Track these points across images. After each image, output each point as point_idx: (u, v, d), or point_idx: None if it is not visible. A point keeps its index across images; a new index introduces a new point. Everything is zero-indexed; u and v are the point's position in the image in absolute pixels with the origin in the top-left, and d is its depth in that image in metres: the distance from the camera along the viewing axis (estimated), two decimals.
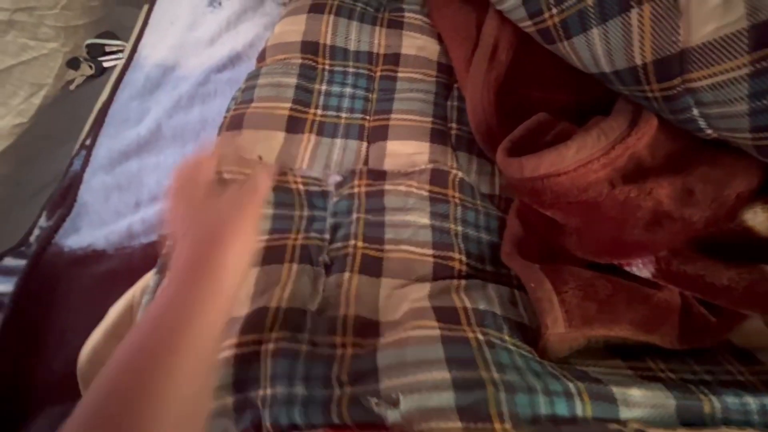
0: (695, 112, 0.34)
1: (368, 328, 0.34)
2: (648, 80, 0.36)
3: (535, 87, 0.48)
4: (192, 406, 0.24)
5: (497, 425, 0.27)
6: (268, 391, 0.31)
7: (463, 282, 0.39)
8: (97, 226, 0.52)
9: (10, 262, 0.49)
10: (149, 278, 0.39)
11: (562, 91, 0.47)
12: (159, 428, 0.21)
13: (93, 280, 0.47)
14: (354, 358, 0.32)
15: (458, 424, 0.27)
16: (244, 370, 0.32)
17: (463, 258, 0.41)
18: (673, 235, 0.35)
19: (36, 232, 0.53)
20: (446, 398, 0.28)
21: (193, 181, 0.33)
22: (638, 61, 0.35)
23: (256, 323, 0.34)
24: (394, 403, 0.28)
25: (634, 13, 0.33)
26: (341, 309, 0.35)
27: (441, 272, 0.40)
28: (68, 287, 0.47)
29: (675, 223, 0.34)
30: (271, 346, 0.33)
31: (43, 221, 0.54)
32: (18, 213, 0.60)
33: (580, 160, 0.35)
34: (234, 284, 0.28)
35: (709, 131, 0.35)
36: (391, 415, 0.28)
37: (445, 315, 0.34)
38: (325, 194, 0.45)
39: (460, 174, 0.46)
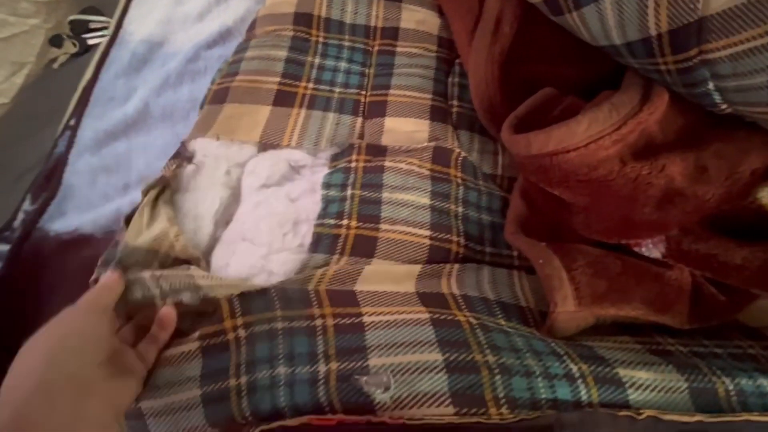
0: (711, 85, 0.33)
1: (344, 297, 0.33)
2: (662, 52, 0.34)
3: (541, 61, 0.46)
4: None
5: (493, 410, 0.26)
6: (243, 379, 0.29)
7: (456, 266, 0.38)
8: (84, 209, 0.50)
9: None
10: None
11: (569, 66, 0.45)
12: None
13: (80, 265, 0.45)
14: (338, 330, 0.30)
15: (451, 410, 0.26)
16: (212, 362, 0.30)
17: (462, 240, 0.40)
18: (685, 213, 0.33)
19: (20, 216, 0.51)
20: (438, 381, 0.27)
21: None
22: (653, 32, 0.33)
23: (212, 315, 0.33)
24: (386, 387, 0.26)
25: None
26: (311, 284, 0.34)
27: (436, 255, 0.39)
28: (55, 272, 0.46)
29: (687, 201, 0.33)
30: (241, 332, 0.31)
31: (27, 205, 0.52)
32: (1, 197, 0.58)
33: (591, 136, 0.33)
34: None
35: (724, 106, 0.34)
36: (381, 398, 0.26)
37: (432, 301, 0.33)
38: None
39: (462, 153, 0.44)
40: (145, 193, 0.39)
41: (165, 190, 0.39)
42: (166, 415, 0.29)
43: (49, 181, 0.53)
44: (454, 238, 0.40)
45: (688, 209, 0.33)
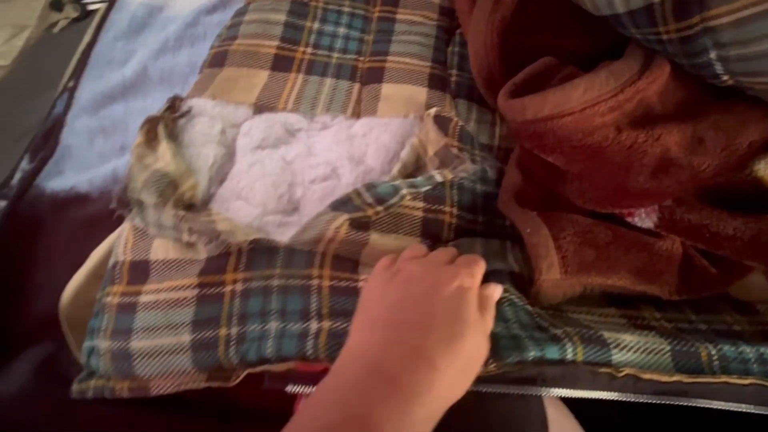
0: (712, 55, 0.32)
1: (346, 264, 0.33)
2: (665, 20, 0.33)
3: (542, 31, 0.45)
4: None
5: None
6: (234, 330, 0.30)
7: (450, 237, 0.38)
8: (80, 169, 0.50)
9: None
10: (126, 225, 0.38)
11: (570, 37, 0.45)
12: None
13: (76, 223, 0.46)
14: (333, 291, 0.30)
15: None
16: (204, 310, 0.31)
17: (455, 210, 0.40)
18: (679, 183, 0.33)
19: (18, 174, 0.51)
20: None
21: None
22: None
23: (218, 266, 0.33)
24: None
25: None
26: (320, 247, 0.34)
27: (430, 227, 0.39)
28: (51, 229, 0.46)
29: (682, 171, 0.33)
30: (239, 286, 0.32)
31: (25, 164, 0.52)
32: (1, 157, 0.58)
33: (587, 101, 0.33)
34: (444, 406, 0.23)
35: (725, 77, 0.33)
36: None
37: None
38: None
39: (460, 122, 0.43)
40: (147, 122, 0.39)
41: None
42: (154, 357, 0.29)
43: (47, 141, 0.53)
44: (447, 209, 0.40)
45: (683, 179, 0.33)
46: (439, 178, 0.37)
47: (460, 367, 0.24)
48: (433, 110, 0.42)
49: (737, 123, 0.34)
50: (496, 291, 0.29)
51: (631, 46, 0.38)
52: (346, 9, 0.50)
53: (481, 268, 0.29)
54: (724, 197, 0.34)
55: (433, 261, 0.29)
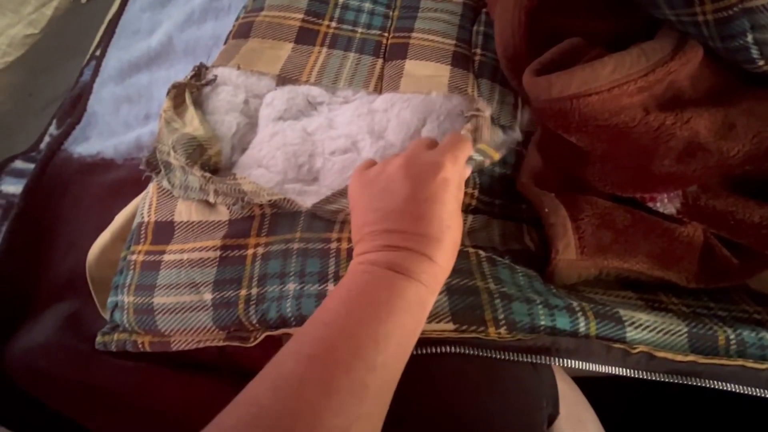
0: (749, 38, 0.31)
1: None
2: (701, 0, 0.32)
3: (571, 12, 0.44)
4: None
5: (491, 329, 0.26)
6: (254, 291, 0.30)
7: (469, 218, 0.38)
8: (106, 136, 0.52)
9: (20, 165, 0.49)
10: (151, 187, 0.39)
11: (600, 20, 0.43)
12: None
13: (101, 188, 0.47)
14: (351, 254, 0.31)
15: (451, 326, 0.27)
16: (226, 271, 0.32)
17: (476, 192, 0.40)
18: (706, 168, 0.32)
19: (46, 139, 0.53)
20: (440, 301, 0.28)
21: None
22: None
23: (242, 229, 0.34)
24: None
25: None
26: (340, 216, 0.34)
27: None
28: (77, 192, 0.48)
29: (710, 156, 0.32)
30: (260, 249, 0.32)
31: (53, 129, 0.54)
32: (30, 123, 0.59)
33: (616, 80, 0.32)
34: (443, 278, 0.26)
35: (761, 62, 0.32)
36: None
37: None
38: None
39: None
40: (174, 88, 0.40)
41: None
42: (176, 313, 0.30)
43: (74, 108, 0.54)
44: (470, 191, 0.40)
45: (710, 164, 0.32)
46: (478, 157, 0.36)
47: (451, 250, 0.26)
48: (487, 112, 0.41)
49: None
50: (467, 170, 0.32)
51: (664, 29, 0.37)
52: None
53: (465, 148, 0.30)
54: (751, 186, 0.33)
55: (413, 154, 0.29)
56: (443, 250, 0.25)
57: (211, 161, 0.37)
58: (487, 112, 0.39)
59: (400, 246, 0.25)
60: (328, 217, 0.34)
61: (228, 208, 0.35)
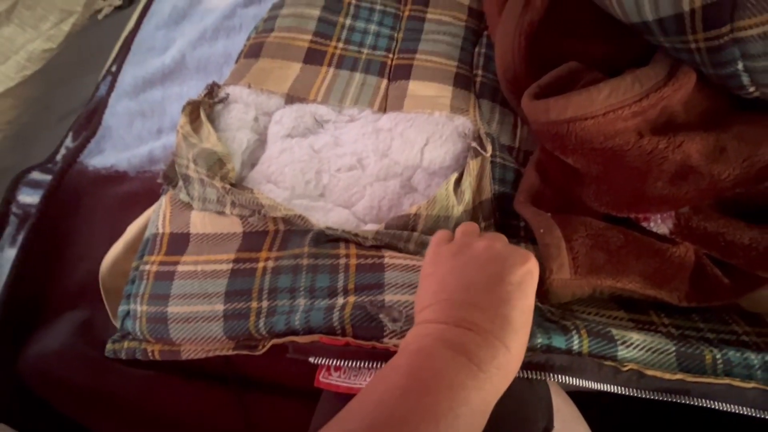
0: (740, 66, 0.32)
1: (373, 245, 0.35)
2: (694, 28, 0.34)
3: (569, 36, 0.45)
4: None
5: None
6: (265, 303, 0.31)
7: None
8: (120, 149, 0.53)
9: (37, 176, 0.51)
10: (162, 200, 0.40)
11: (597, 43, 0.45)
12: None
13: (114, 199, 0.49)
14: (359, 268, 0.32)
15: None
16: (237, 282, 0.33)
17: None
18: (698, 191, 0.34)
19: (62, 151, 0.55)
20: None
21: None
22: (686, 7, 0.33)
23: (255, 243, 0.35)
24: (395, 320, 0.28)
25: None
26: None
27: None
28: (91, 204, 0.49)
29: (702, 179, 0.33)
30: (270, 263, 0.34)
31: (69, 142, 0.56)
32: (46, 135, 0.61)
33: (611, 105, 0.34)
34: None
35: (752, 89, 0.33)
36: (391, 326, 0.28)
37: None
38: None
39: (483, 129, 0.45)
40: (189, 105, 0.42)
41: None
42: (189, 323, 0.31)
43: (89, 121, 0.56)
44: None
45: (702, 187, 0.33)
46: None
47: (523, 346, 0.24)
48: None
49: (761, 135, 0.34)
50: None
51: (658, 54, 0.38)
52: (378, 7, 0.52)
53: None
54: (741, 208, 0.34)
55: (499, 239, 0.28)
56: (519, 342, 0.23)
57: (229, 175, 0.39)
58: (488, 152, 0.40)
59: (479, 325, 0.23)
60: (339, 234, 0.35)
61: (242, 221, 0.36)
